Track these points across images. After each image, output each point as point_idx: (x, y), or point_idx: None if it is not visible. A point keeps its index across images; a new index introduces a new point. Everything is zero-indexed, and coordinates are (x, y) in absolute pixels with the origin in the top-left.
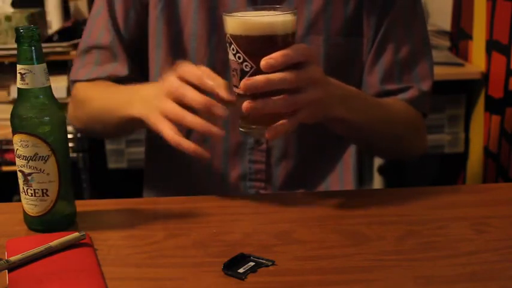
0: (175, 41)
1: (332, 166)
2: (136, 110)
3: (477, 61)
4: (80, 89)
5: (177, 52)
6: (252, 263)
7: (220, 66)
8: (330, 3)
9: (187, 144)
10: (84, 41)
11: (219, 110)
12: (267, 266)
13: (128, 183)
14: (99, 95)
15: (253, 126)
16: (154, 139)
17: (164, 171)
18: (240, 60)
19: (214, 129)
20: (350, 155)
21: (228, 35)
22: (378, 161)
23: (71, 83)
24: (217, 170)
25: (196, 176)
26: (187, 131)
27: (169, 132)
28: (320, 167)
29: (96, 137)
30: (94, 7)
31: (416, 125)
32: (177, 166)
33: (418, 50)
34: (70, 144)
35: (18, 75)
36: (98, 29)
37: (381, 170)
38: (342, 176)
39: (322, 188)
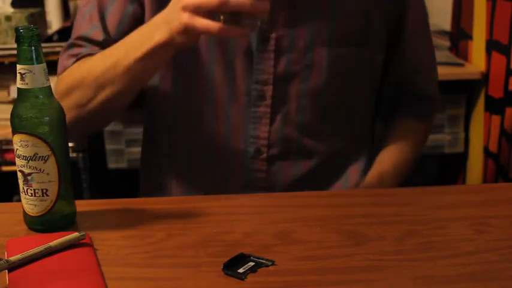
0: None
1: (336, 175)
2: (159, 34)
3: (477, 61)
4: (71, 71)
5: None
6: (252, 263)
7: (224, 62)
8: (334, 14)
9: (235, 29)
10: (72, 36)
11: None
12: (267, 266)
13: (127, 183)
14: (103, 56)
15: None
16: (151, 148)
17: (162, 182)
18: None
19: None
20: (357, 168)
21: None
22: None
23: (58, 78)
24: (218, 179)
25: (196, 185)
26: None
27: (207, 22)
28: (323, 176)
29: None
30: (84, 3)
31: (423, 142)
32: (176, 177)
33: (430, 60)
34: (70, 144)
35: (18, 75)
36: (88, 26)
37: None
38: (346, 184)
39: None
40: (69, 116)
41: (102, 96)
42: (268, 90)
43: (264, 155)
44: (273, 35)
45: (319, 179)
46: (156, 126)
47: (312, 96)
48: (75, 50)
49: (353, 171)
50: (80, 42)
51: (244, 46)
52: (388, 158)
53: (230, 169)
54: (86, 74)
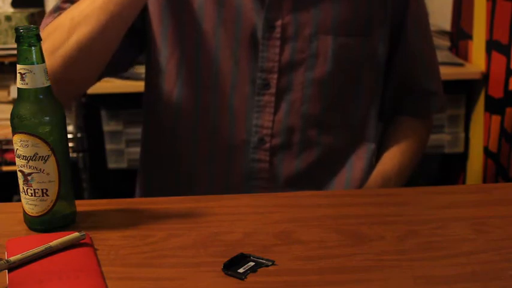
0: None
1: (339, 168)
2: None
3: (477, 61)
4: (49, 25)
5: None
6: (252, 263)
7: (229, 49)
8: (338, 3)
9: None
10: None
11: None
12: (267, 266)
13: (127, 183)
14: (81, 0)
15: None
16: (152, 138)
17: (163, 174)
18: None
19: None
20: (361, 164)
21: None
22: None
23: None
24: (220, 168)
25: (198, 175)
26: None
27: None
28: (325, 168)
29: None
30: None
31: (425, 141)
32: (177, 169)
33: (431, 55)
34: (70, 144)
35: (18, 75)
36: None
37: None
38: (349, 179)
39: (327, 188)
40: (63, 54)
41: (74, 38)
42: (273, 78)
43: (267, 145)
44: (279, 23)
45: (322, 172)
46: (158, 119)
47: (316, 85)
48: (60, 12)
49: (357, 166)
50: (66, 5)
51: (249, 34)
52: (391, 158)
53: (232, 159)
54: (62, 20)
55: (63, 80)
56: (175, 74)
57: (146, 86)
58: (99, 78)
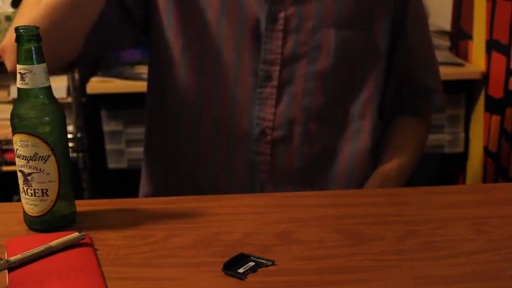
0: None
1: (339, 163)
2: None
3: (477, 61)
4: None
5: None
6: (252, 263)
7: (233, 31)
8: None
9: None
10: None
11: None
12: (267, 266)
13: (127, 183)
14: None
15: None
16: (155, 131)
17: (166, 166)
18: None
19: None
20: (364, 158)
21: None
22: None
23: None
24: (221, 161)
25: (200, 167)
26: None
27: None
28: (326, 163)
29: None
30: None
31: (425, 140)
32: (180, 162)
33: (431, 54)
34: (70, 144)
35: (18, 75)
36: None
37: None
38: (351, 175)
39: (328, 183)
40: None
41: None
42: (275, 70)
43: (268, 137)
44: (282, 15)
45: (322, 166)
46: (160, 110)
47: (318, 79)
48: None
49: (357, 161)
50: None
51: (252, 25)
52: (391, 158)
53: (234, 151)
54: None
55: (46, 36)
56: (178, 64)
57: (149, 79)
58: (90, 59)
